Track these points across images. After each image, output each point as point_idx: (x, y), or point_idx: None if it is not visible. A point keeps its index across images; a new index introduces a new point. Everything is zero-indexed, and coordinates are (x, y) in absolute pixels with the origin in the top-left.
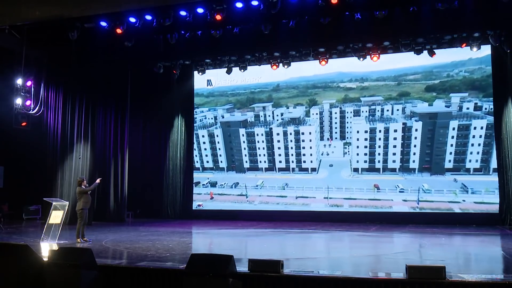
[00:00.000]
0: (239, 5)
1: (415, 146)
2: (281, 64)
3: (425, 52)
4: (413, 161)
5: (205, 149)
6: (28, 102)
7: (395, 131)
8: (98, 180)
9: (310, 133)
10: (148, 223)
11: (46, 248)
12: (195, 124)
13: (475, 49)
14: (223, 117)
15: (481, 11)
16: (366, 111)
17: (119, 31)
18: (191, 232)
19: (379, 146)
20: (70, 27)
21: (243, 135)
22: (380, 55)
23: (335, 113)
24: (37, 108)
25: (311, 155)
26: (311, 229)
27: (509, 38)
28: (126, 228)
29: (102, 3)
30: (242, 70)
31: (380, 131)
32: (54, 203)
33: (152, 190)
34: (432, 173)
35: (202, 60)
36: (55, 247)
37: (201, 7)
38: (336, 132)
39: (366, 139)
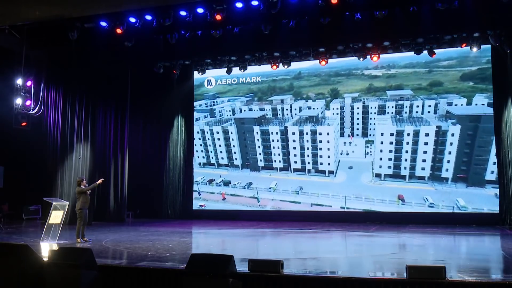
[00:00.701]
0: (239, 5)
1: (449, 153)
2: (281, 64)
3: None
4: (446, 170)
5: (220, 145)
6: (28, 102)
7: (427, 135)
8: (100, 181)
9: (328, 134)
10: (148, 223)
11: (46, 248)
12: (213, 119)
13: (475, 49)
14: (240, 110)
15: (481, 11)
16: (393, 107)
17: (119, 31)
18: (191, 232)
19: (406, 151)
20: (70, 27)
21: (257, 133)
22: (380, 55)
23: (357, 108)
24: (37, 108)
25: (328, 157)
26: (311, 229)
27: (509, 38)
28: (126, 228)
29: (102, 3)
30: (242, 70)
31: (408, 135)
32: (54, 203)
33: (152, 190)
34: (469, 185)
35: (202, 60)
36: (55, 247)
37: (201, 7)
38: (357, 129)
39: (391, 143)
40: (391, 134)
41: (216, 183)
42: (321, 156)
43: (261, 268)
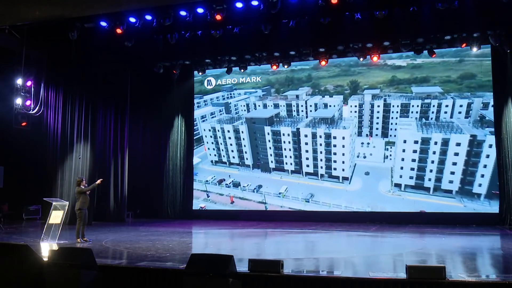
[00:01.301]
0: (239, 5)
1: (485, 166)
2: (281, 64)
3: None
4: (479, 185)
5: (231, 144)
6: (28, 102)
7: (458, 145)
8: (99, 181)
9: (343, 138)
10: (148, 223)
11: (46, 248)
12: (224, 116)
13: (475, 49)
14: (255, 106)
15: (481, 11)
16: (418, 106)
17: (119, 31)
18: (191, 232)
19: (432, 162)
20: (70, 27)
21: (268, 134)
22: (380, 55)
23: (378, 106)
24: (37, 108)
25: (343, 162)
26: (311, 229)
27: (509, 38)
28: (126, 228)
29: (102, 3)
30: (242, 70)
31: (436, 143)
32: (54, 203)
33: (152, 190)
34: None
35: (202, 60)
36: (55, 247)
37: (201, 7)
38: (377, 129)
39: (415, 151)
40: (415, 142)
41: (226, 184)
42: (335, 161)
43: (261, 268)
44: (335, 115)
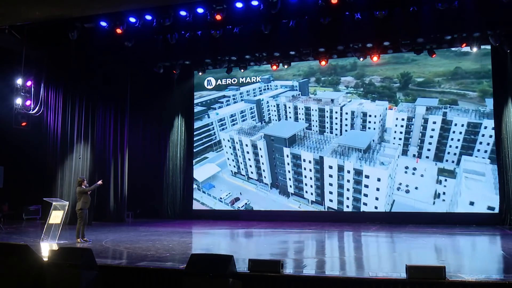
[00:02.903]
0: (239, 5)
1: None
2: (281, 64)
3: None
4: None
5: (249, 159)
6: (28, 102)
7: None
8: (99, 182)
9: (379, 180)
10: (148, 223)
11: (46, 248)
12: (242, 127)
13: (475, 49)
14: (285, 107)
15: (481, 11)
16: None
17: (119, 31)
18: (191, 232)
19: None
20: (70, 27)
21: (287, 156)
22: (381, 55)
23: (434, 122)
24: (37, 108)
25: (377, 199)
26: (311, 229)
27: (509, 38)
28: (126, 228)
29: (102, 3)
30: (242, 70)
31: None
32: (54, 203)
33: (152, 190)
34: None
35: (202, 60)
36: (55, 247)
37: (201, 7)
38: (429, 150)
39: None
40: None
41: (238, 206)
42: (366, 195)
43: (261, 268)
44: (371, 144)
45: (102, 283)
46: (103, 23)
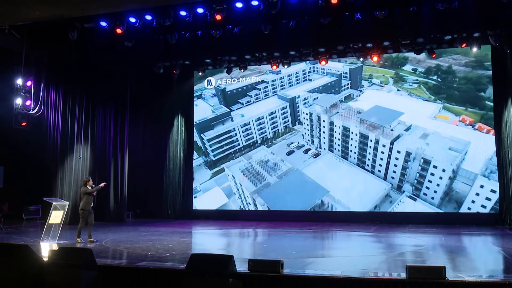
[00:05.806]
0: (239, 5)
1: None
2: (281, 64)
3: None
4: None
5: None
6: (28, 102)
7: None
8: (102, 184)
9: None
10: (148, 223)
11: (46, 248)
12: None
13: (475, 49)
14: (319, 119)
15: (481, 11)
16: None
17: (119, 31)
18: (191, 232)
19: None
20: (70, 27)
21: None
22: (380, 55)
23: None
24: (37, 108)
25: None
26: (311, 229)
27: (509, 38)
28: (126, 228)
29: (102, 3)
30: (242, 70)
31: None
32: (54, 203)
33: (152, 190)
34: None
35: (202, 60)
36: (55, 247)
37: (201, 7)
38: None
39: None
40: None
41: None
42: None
43: (261, 268)
44: None
45: (102, 283)
46: (103, 23)
